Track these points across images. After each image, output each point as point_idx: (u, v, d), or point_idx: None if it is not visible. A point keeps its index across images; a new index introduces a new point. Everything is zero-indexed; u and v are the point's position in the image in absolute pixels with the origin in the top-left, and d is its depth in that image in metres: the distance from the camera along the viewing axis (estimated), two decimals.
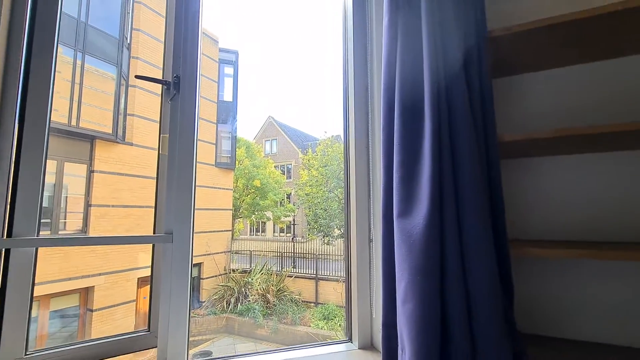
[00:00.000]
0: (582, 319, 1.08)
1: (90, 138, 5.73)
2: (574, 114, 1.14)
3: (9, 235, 0.94)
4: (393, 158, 0.95)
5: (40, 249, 1.04)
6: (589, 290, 1.09)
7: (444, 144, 0.88)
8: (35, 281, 0.99)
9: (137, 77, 1.17)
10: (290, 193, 16.29)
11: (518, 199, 1.17)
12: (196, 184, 1.12)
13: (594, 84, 1.13)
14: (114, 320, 5.62)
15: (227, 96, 11.08)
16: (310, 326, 8.02)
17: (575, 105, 1.14)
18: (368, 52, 1.31)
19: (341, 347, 1.20)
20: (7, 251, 0.94)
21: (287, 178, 17.29)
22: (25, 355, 0.93)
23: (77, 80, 5.37)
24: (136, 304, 6.05)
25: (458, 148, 0.88)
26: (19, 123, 0.98)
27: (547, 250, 0.94)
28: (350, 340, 1.24)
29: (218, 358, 1.11)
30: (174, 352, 1.00)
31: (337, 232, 12.84)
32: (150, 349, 1.14)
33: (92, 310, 5.40)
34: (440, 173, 0.86)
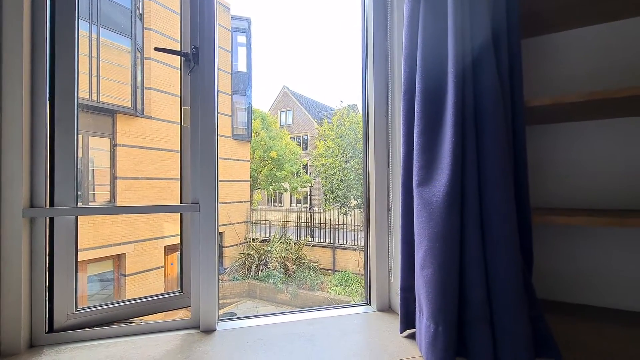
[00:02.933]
0: (601, 286, 1.09)
1: (111, 112, 5.85)
2: (604, 76, 1.07)
3: (51, 204, 1.01)
4: (414, 126, 0.94)
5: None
6: (609, 257, 1.08)
7: (468, 110, 0.85)
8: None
9: (156, 49, 1.17)
10: (307, 164, 16.37)
11: (542, 166, 1.15)
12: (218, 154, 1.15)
13: (629, 42, 1.05)
14: (145, 284, 6.05)
15: (241, 66, 10.92)
16: (327, 292, 8.37)
17: (605, 67, 1.07)
18: (388, 15, 1.26)
19: (360, 309, 1.26)
20: (52, 220, 1.02)
21: (303, 149, 17.29)
22: (76, 311, 1.04)
23: (94, 54, 5.39)
24: (165, 270, 6.45)
25: (482, 115, 0.86)
26: (50, 100, 1.02)
27: (571, 218, 0.93)
28: (369, 303, 1.30)
29: (245, 316, 1.19)
30: (205, 311, 1.08)
31: (353, 202, 12.94)
32: (182, 309, 1.24)
33: (125, 275, 5.81)
34: (462, 141, 0.85)
